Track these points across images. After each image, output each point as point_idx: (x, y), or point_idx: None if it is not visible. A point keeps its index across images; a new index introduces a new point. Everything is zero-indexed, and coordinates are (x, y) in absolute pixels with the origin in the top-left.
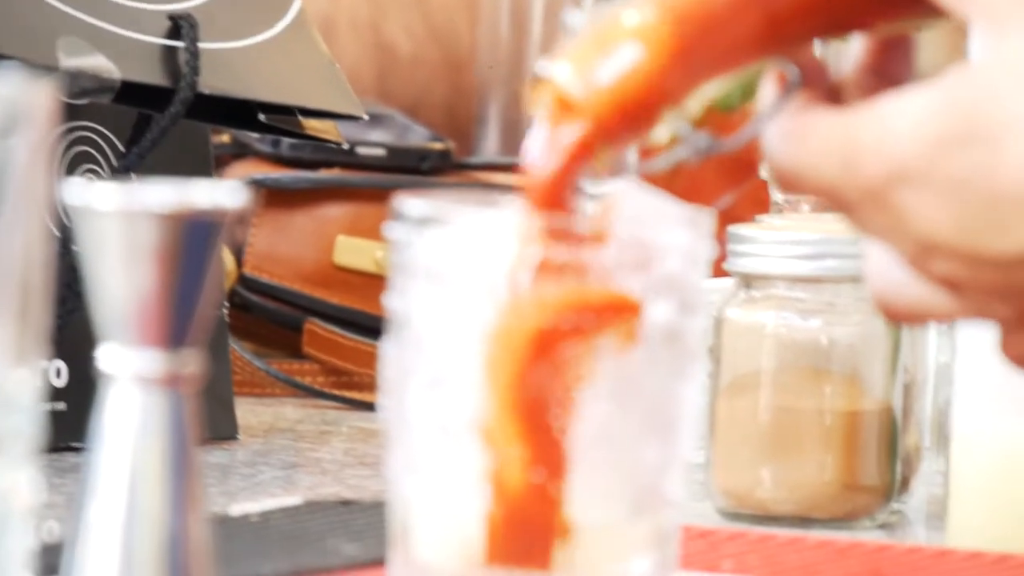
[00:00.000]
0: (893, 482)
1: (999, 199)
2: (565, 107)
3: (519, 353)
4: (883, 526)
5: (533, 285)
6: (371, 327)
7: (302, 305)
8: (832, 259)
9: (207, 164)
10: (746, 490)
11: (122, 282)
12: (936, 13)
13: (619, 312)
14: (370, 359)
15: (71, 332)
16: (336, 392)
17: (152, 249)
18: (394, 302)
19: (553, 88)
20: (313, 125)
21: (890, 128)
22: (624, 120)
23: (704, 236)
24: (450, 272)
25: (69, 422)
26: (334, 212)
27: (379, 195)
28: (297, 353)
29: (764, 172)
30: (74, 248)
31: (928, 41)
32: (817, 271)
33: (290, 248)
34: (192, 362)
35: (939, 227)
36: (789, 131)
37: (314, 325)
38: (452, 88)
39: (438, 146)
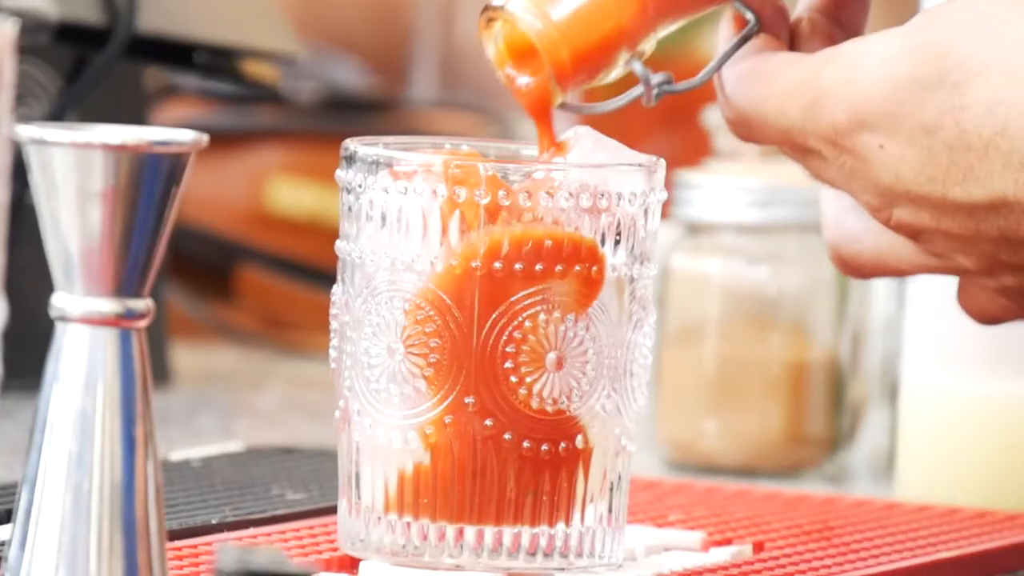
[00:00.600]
0: (839, 434)
1: (965, 144)
2: (520, 43)
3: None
4: (829, 478)
5: (484, 228)
6: (304, 272)
7: (234, 249)
8: (779, 207)
9: (140, 105)
10: (691, 441)
11: (75, 220)
12: None
13: (579, 256)
14: (303, 305)
15: (11, 271)
16: (270, 338)
17: (106, 186)
18: (344, 246)
19: (508, 22)
20: (251, 67)
21: (856, 71)
22: (582, 60)
23: (657, 182)
24: (401, 216)
25: (10, 361)
26: (266, 155)
27: (313, 138)
28: (229, 298)
29: (710, 118)
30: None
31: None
32: (764, 219)
33: (221, 192)
34: (144, 303)
35: (903, 172)
36: (750, 72)
37: (246, 270)
38: (381, 22)
39: (370, 87)
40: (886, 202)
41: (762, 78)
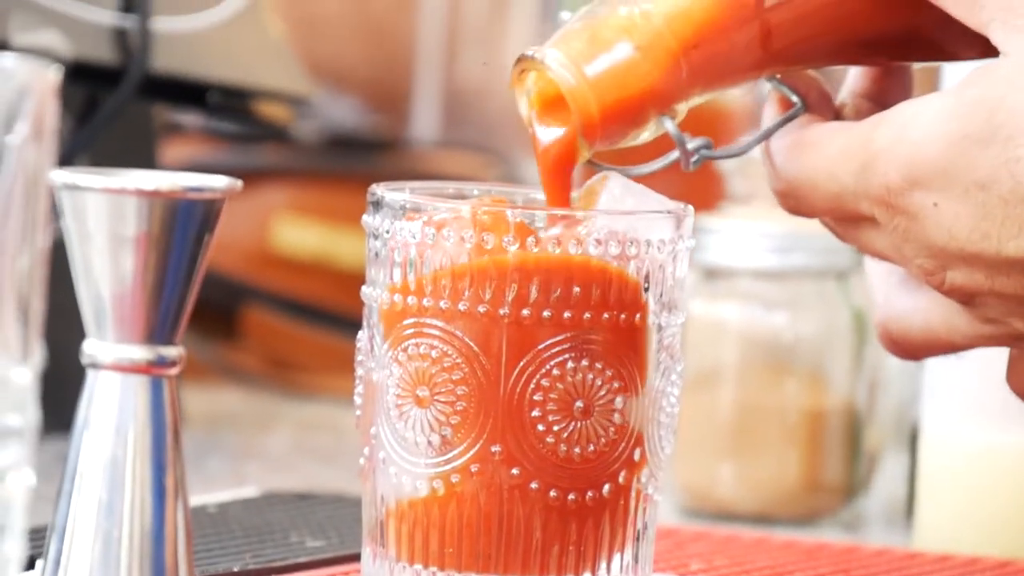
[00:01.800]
0: (855, 481)
1: (1020, 196)
2: (550, 95)
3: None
4: (845, 525)
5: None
6: (310, 312)
7: (239, 290)
8: (797, 252)
9: (151, 145)
10: (707, 487)
11: (108, 266)
12: (934, 54)
13: (607, 304)
14: (309, 346)
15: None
16: (276, 379)
17: (139, 232)
18: (370, 292)
19: (540, 74)
20: (263, 107)
21: (907, 130)
22: (611, 117)
23: (686, 229)
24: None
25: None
26: (271, 195)
27: (317, 177)
28: (234, 339)
29: (725, 162)
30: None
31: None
32: (782, 265)
33: (226, 232)
34: (176, 350)
35: (957, 230)
36: (798, 142)
37: (252, 311)
38: (380, 61)
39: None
40: (939, 264)
41: (811, 146)
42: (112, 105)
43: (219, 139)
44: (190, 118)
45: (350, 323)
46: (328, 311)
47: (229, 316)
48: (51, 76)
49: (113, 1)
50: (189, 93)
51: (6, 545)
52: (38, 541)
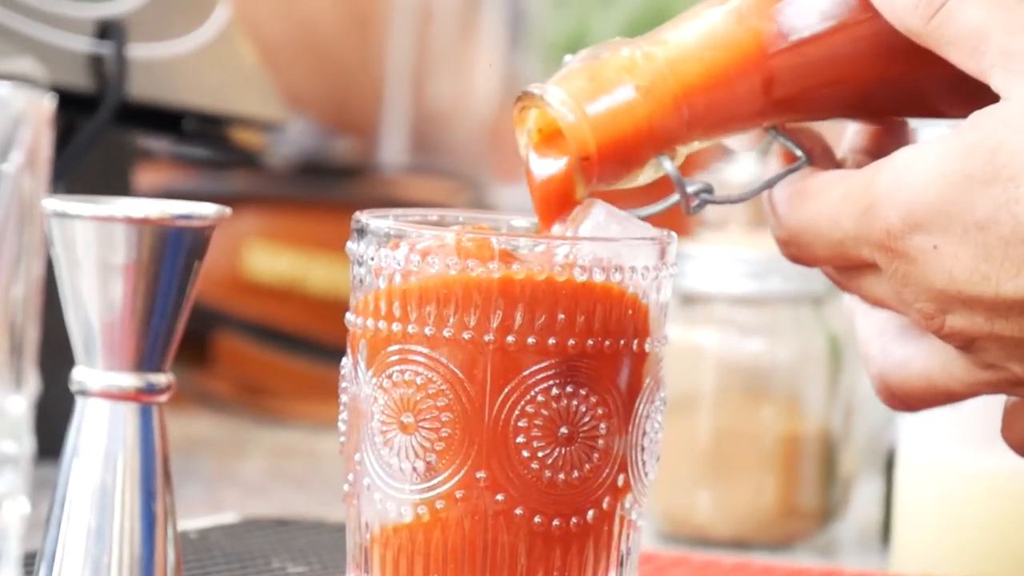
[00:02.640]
0: (831, 506)
1: (1020, 236)
2: (550, 132)
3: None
4: (820, 550)
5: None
6: (281, 338)
7: (211, 316)
8: (774, 278)
9: (126, 171)
10: (684, 512)
11: (97, 294)
12: (932, 109)
13: (592, 331)
14: (281, 371)
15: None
16: (248, 405)
17: (128, 259)
18: (355, 319)
19: (541, 111)
20: (238, 134)
21: (908, 172)
22: (609, 156)
23: (669, 256)
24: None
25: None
26: (242, 222)
27: (288, 204)
28: (206, 365)
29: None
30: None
31: None
32: (759, 291)
33: None
34: (165, 378)
35: (957, 272)
36: (800, 190)
37: (223, 337)
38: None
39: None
40: (939, 308)
41: (813, 195)
42: (89, 132)
43: (190, 165)
44: (161, 144)
45: (322, 349)
46: (300, 337)
47: (202, 342)
48: (46, 105)
49: (89, 28)
50: (165, 120)
51: (2, 572)
52: (29, 567)
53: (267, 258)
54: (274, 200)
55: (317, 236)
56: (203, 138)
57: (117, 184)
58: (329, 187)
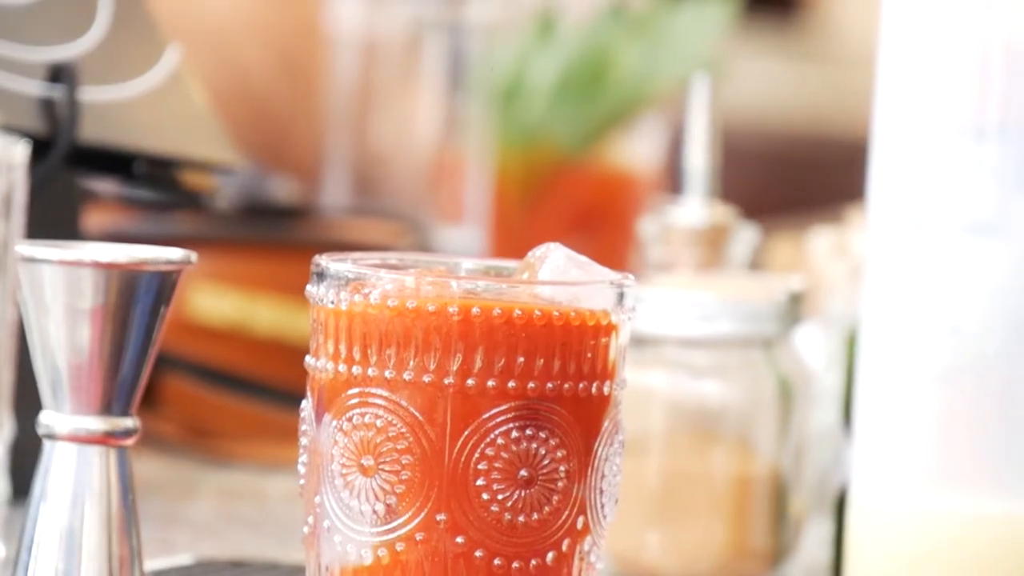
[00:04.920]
0: (782, 546)
1: None
2: None
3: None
4: None
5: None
6: (228, 380)
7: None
8: (724, 320)
9: (75, 214)
10: (634, 553)
11: (64, 338)
12: None
13: (550, 375)
14: (228, 413)
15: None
16: (195, 447)
17: (95, 304)
18: (314, 362)
19: None
20: (188, 176)
21: None
22: None
23: (628, 299)
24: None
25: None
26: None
27: (233, 245)
28: (153, 407)
29: (646, 229)
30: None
31: None
32: (709, 333)
33: None
34: (131, 421)
35: None
36: None
37: (169, 378)
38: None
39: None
40: None
41: None
42: (41, 174)
43: (135, 207)
44: (108, 187)
45: (268, 390)
46: (246, 378)
47: (148, 384)
48: (20, 150)
49: (41, 72)
50: (115, 162)
51: None
52: None
53: (212, 300)
54: (218, 242)
55: (262, 277)
56: (154, 181)
57: (67, 227)
58: (273, 229)
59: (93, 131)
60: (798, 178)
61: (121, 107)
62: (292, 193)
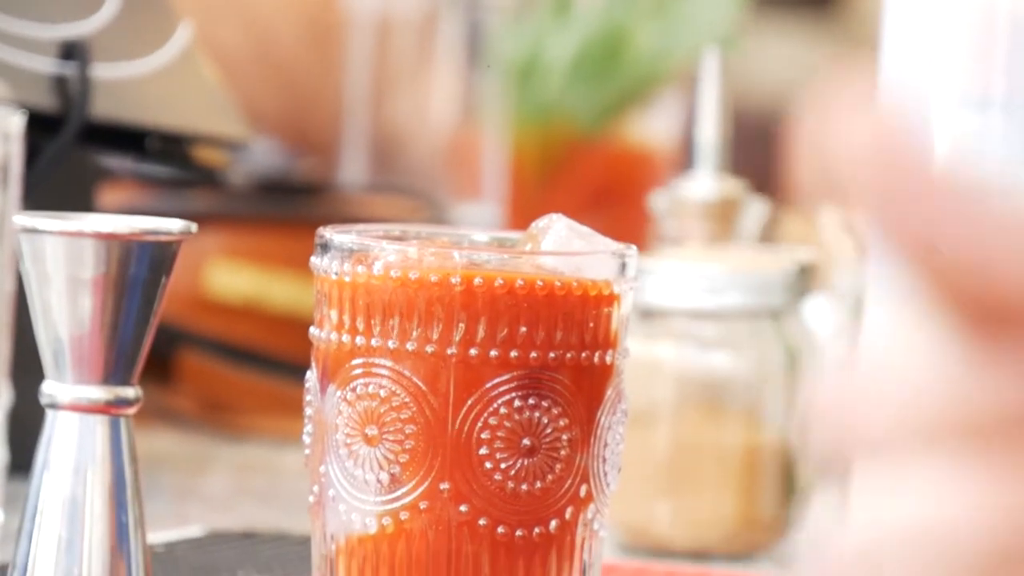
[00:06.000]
0: (790, 517)
1: None
2: None
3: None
4: (779, 561)
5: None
6: (244, 356)
7: (173, 335)
8: (732, 292)
9: (89, 190)
10: (643, 524)
11: (66, 308)
12: None
13: (552, 344)
14: (244, 388)
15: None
16: (211, 422)
17: (97, 274)
18: (318, 333)
19: None
20: (201, 152)
21: None
22: None
23: (630, 269)
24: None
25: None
26: (203, 240)
27: (249, 222)
28: (169, 382)
29: (657, 202)
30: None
31: None
32: (717, 305)
33: None
34: (133, 391)
35: None
36: None
37: (186, 354)
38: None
39: (303, 171)
40: None
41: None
42: (53, 151)
43: (152, 185)
44: (124, 164)
45: (284, 365)
46: (262, 354)
47: (165, 360)
48: (16, 122)
49: (53, 49)
50: (128, 139)
51: None
52: None
53: (229, 276)
54: (236, 218)
55: (278, 254)
56: (166, 157)
57: (80, 203)
58: (290, 205)
59: (105, 108)
60: None
61: (133, 84)
62: (309, 170)
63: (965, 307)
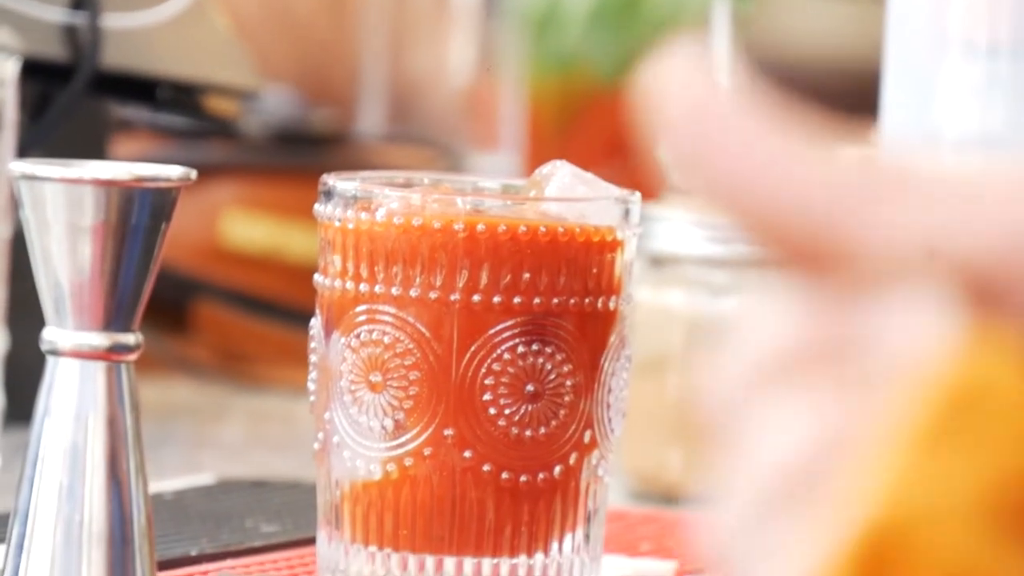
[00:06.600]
0: None
1: None
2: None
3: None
4: None
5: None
6: (260, 306)
7: (190, 285)
8: (742, 240)
9: (102, 140)
10: (655, 472)
11: (66, 255)
12: None
13: (556, 290)
14: (260, 338)
15: (14, 304)
16: (228, 372)
17: (96, 221)
18: (323, 280)
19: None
20: (212, 102)
21: None
22: None
23: (634, 216)
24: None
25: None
26: (220, 190)
27: (266, 172)
28: (186, 332)
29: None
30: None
31: None
32: (727, 252)
33: (176, 227)
34: (133, 337)
35: None
36: None
37: (202, 305)
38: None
39: (321, 121)
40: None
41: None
42: (63, 101)
43: (168, 135)
44: (139, 114)
45: (301, 315)
46: (278, 304)
47: (181, 310)
48: (10, 68)
49: (63, 2)
50: (139, 89)
51: None
52: (1, 528)
53: (245, 226)
54: (252, 169)
55: (295, 204)
56: (177, 106)
57: (93, 154)
58: (307, 155)
59: (116, 57)
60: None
61: (144, 33)
62: (326, 120)
63: (776, 248)
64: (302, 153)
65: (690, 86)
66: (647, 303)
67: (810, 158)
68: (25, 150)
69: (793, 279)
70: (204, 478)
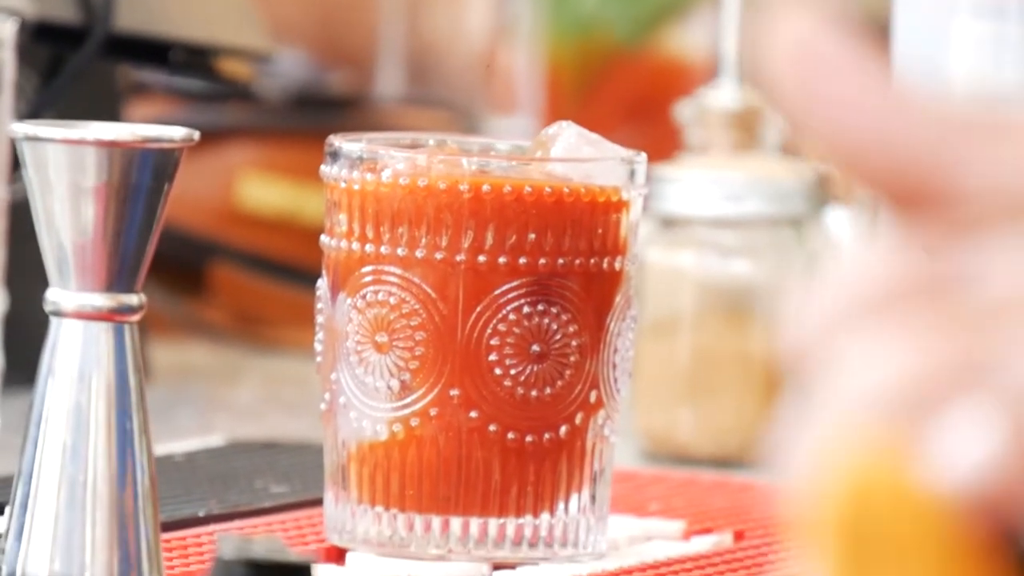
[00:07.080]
0: None
1: None
2: None
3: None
4: None
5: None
6: (276, 268)
7: (206, 247)
8: (753, 200)
9: (116, 103)
10: (666, 432)
11: (69, 216)
12: None
13: (561, 250)
14: (276, 301)
15: (14, 266)
16: (243, 334)
17: (99, 182)
18: (329, 241)
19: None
20: (225, 65)
21: None
22: None
23: (640, 176)
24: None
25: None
26: (236, 153)
27: (282, 135)
28: (201, 294)
29: (683, 112)
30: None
31: None
32: (738, 213)
33: (192, 189)
34: (137, 298)
35: None
36: None
37: (218, 267)
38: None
39: (338, 84)
40: None
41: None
42: (76, 64)
43: (183, 98)
44: (155, 77)
45: (316, 278)
46: (294, 267)
47: (196, 273)
48: (9, 29)
49: None
50: (152, 51)
51: None
52: (5, 490)
53: (261, 189)
54: (268, 131)
55: (311, 167)
56: (191, 69)
57: (106, 117)
58: (324, 118)
59: (129, 20)
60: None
61: None
62: (343, 82)
63: (882, 190)
64: (319, 116)
65: (800, 32)
66: (658, 264)
67: (917, 100)
68: (37, 113)
69: (898, 220)
70: (215, 439)
